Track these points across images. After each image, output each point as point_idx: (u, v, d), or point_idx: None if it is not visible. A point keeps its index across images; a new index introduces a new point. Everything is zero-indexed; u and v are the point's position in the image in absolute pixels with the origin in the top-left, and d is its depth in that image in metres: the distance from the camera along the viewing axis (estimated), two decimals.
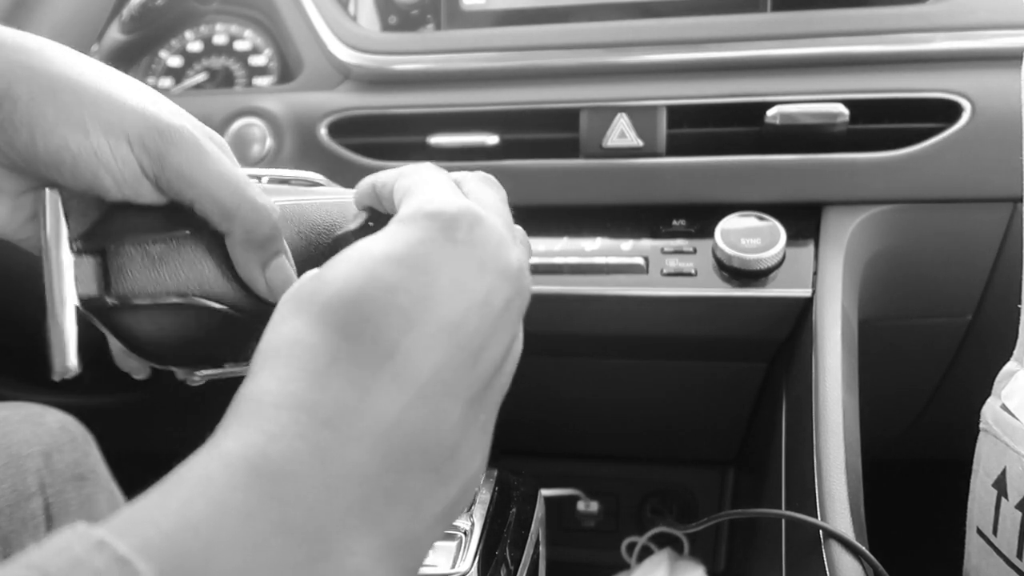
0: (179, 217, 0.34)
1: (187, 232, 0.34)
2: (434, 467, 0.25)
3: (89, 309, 0.33)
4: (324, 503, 0.22)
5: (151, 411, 0.87)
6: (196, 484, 0.22)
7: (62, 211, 0.33)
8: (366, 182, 0.36)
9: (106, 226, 0.34)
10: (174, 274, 0.34)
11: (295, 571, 0.21)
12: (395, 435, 0.24)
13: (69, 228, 0.33)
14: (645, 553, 0.86)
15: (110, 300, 0.33)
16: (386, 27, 0.77)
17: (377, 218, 0.37)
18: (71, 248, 0.33)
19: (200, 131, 0.34)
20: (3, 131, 0.30)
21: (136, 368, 0.38)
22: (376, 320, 0.25)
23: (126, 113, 0.32)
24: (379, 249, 0.27)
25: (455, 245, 0.28)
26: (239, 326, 0.36)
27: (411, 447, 0.25)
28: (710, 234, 0.66)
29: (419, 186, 0.31)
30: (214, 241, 0.35)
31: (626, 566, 0.86)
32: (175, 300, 0.34)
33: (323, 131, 0.72)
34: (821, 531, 0.51)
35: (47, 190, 0.33)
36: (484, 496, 0.49)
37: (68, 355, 0.32)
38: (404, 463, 0.24)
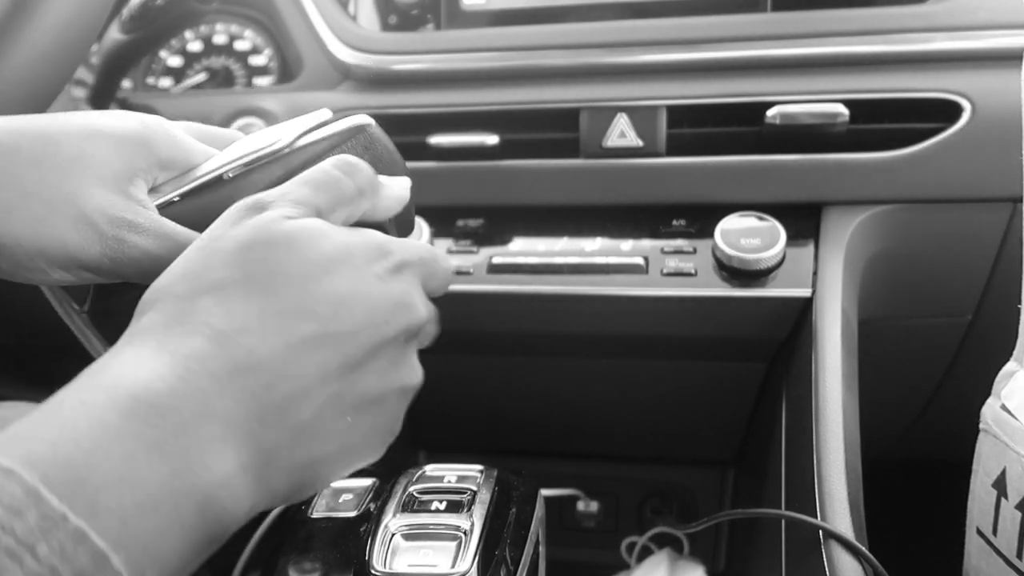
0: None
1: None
2: (288, 429, 0.30)
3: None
4: (191, 432, 0.27)
5: None
6: (78, 407, 0.26)
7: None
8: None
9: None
10: None
11: (161, 481, 0.26)
12: (262, 397, 0.29)
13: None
14: (645, 553, 0.86)
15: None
16: (386, 27, 0.77)
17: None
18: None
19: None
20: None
21: None
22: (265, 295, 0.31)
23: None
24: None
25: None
26: None
27: (270, 408, 0.29)
28: (710, 234, 0.66)
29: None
30: None
31: (626, 566, 0.86)
32: None
33: None
34: (821, 531, 0.51)
35: None
36: (484, 496, 0.49)
37: None
38: (262, 419, 0.29)
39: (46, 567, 0.22)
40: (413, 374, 0.36)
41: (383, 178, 0.40)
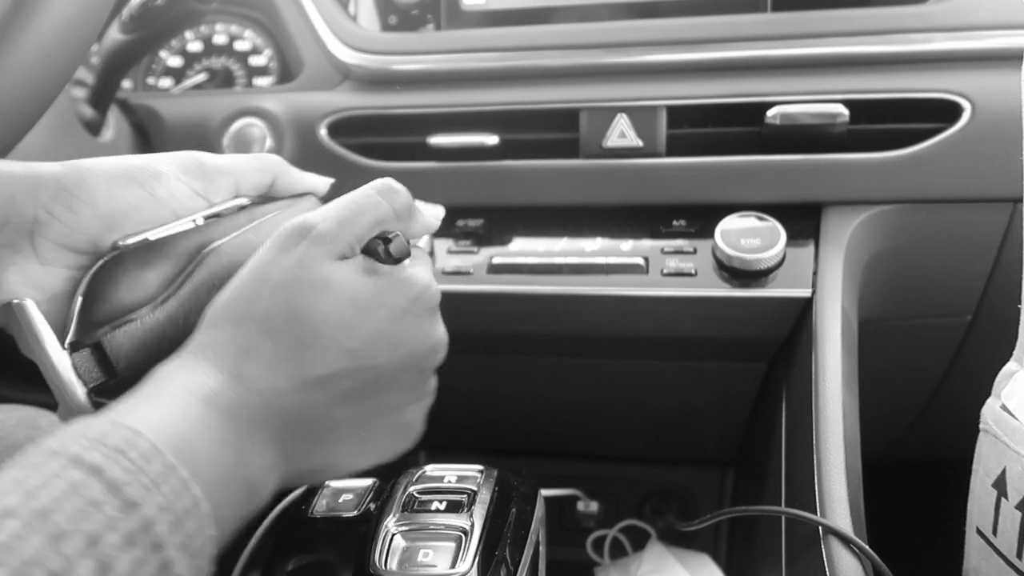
0: (160, 279, 0.40)
1: (166, 295, 0.40)
2: (310, 441, 0.38)
3: (100, 393, 0.38)
4: (245, 436, 0.35)
5: None
6: (171, 401, 0.34)
7: (39, 317, 0.38)
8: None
9: (91, 316, 0.39)
10: (167, 340, 0.40)
11: (228, 466, 0.34)
12: (295, 414, 0.37)
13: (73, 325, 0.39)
14: (616, 548, 0.87)
15: (116, 379, 0.39)
16: (386, 27, 0.77)
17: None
18: (66, 348, 0.38)
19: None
20: (72, 211, 0.39)
21: None
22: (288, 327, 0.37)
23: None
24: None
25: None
26: None
27: (299, 425, 0.37)
28: (710, 234, 0.66)
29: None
30: (203, 289, 0.41)
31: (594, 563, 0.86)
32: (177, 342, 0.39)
33: (323, 131, 0.72)
34: (820, 528, 0.51)
35: (14, 302, 0.38)
36: (484, 496, 0.49)
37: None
38: (293, 433, 0.37)
39: (167, 500, 0.29)
40: (430, 390, 0.43)
41: (419, 204, 0.45)
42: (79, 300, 0.39)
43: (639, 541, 0.87)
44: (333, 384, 0.37)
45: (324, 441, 0.38)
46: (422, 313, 0.41)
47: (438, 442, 0.93)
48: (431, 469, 0.52)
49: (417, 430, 0.43)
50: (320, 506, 0.51)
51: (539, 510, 0.52)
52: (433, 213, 0.47)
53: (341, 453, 0.39)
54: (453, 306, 0.71)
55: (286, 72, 0.80)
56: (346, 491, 0.52)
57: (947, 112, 0.64)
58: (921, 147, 0.64)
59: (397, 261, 0.40)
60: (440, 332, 0.42)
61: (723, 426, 0.84)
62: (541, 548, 0.53)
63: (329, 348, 0.37)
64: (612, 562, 0.85)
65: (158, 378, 0.35)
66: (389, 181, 0.42)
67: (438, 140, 0.70)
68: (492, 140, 0.69)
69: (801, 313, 0.66)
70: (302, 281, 0.37)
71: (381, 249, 0.40)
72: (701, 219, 0.68)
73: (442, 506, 0.48)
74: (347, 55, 0.73)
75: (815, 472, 0.54)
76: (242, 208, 0.45)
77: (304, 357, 0.36)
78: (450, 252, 0.70)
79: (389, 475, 0.53)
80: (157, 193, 0.41)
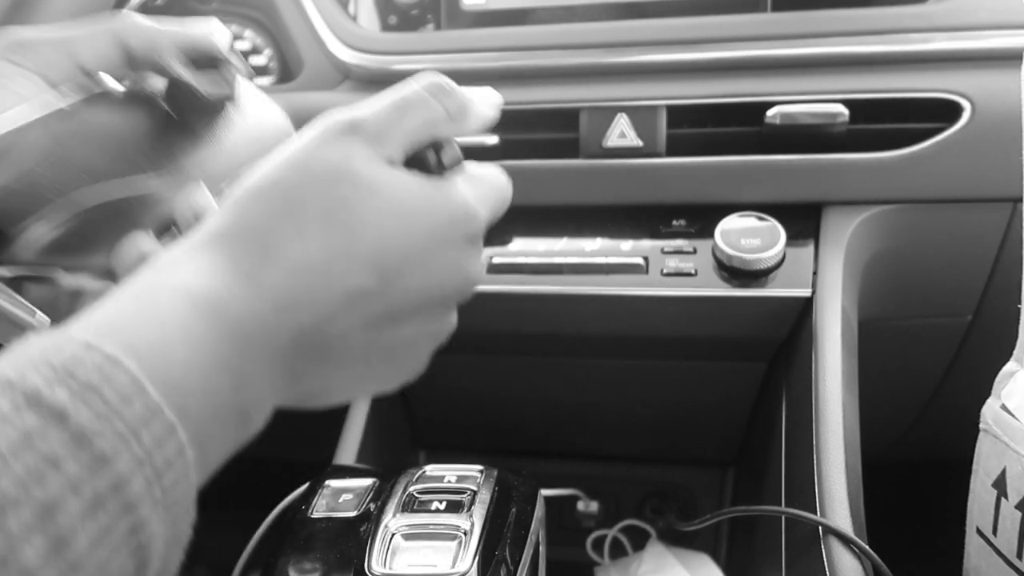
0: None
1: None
2: (319, 363, 0.32)
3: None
4: (253, 355, 0.29)
5: None
6: (168, 311, 0.28)
7: None
8: None
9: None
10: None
11: (226, 396, 0.28)
12: (309, 335, 0.31)
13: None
14: (616, 548, 0.87)
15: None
16: (386, 27, 0.77)
17: None
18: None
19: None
20: None
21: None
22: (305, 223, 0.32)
23: None
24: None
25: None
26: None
27: (312, 346, 0.32)
28: (710, 234, 0.66)
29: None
30: None
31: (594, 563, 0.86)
32: None
33: None
34: (820, 528, 0.51)
35: None
36: (484, 496, 0.49)
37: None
38: (303, 354, 0.32)
39: (145, 452, 0.24)
40: (450, 325, 0.38)
41: (470, 92, 0.38)
42: None
43: (639, 541, 0.87)
44: (356, 305, 0.32)
45: (331, 364, 0.33)
46: (460, 241, 0.36)
47: (438, 442, 0.93)
48: (431, 469, 0.52)
49: (422, 365, 0.38)
50: (320, 506, 0.51)
51: (539, 510, 0.52)
52: (489, 101, 0.39)
53: (344, 378, 0.34)
54: None
55: (286, 72, 0.80)
56: (346, 491, 0.52)
57: (947, 112, 0.64)
58: (921, 147, 0.64)
59: (446, 170, 0.36)
60: (476, 267, 0.37)
61: (723, 426, 0.84)
62: (541, 548, 0.53)
63: (365, 262, 0.32)
64: (612, 562, 0.85)
65: (155, 271, 0.29)
66: (440, 79, 0.36)
67: None
68: (492, 140, 0.69)
69: (801, 313, 0.66)
70: (347, 180, 0.32)
71: (432, 158, 0.35)
72: (701, 219, 0.68)
73: (442, 506, 0.48)
74: (347, 55, 0.73)
75: (815, 472, 0.54)
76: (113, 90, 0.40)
77: (334, 268, 0.31)
78: None
79: (389, 475, 0.53)
80: None
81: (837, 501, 0.52)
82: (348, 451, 0.69)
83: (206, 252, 0.31)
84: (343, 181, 0.32)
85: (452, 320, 0.38)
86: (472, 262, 0.37)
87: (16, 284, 0.37)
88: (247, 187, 0.32)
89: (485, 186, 0.38)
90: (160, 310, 0.28)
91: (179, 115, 0.42)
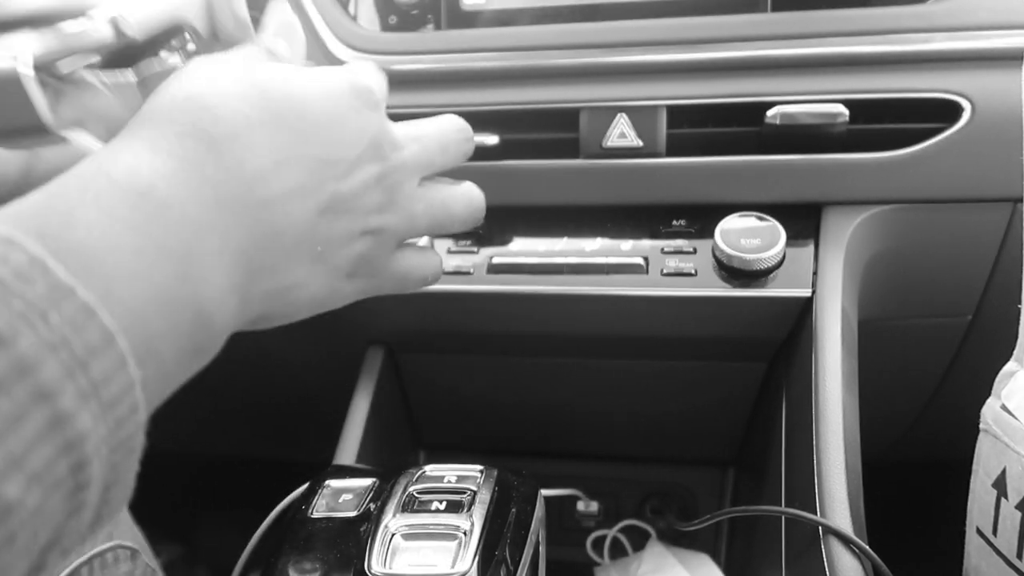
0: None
1: None
2: (274, 254, 0.32)
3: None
4: (195, 239, 0.28)
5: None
6: (86, 194, 0.26)
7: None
8: None
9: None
10: None
11: (165, 283, 0.26)
12: (260, 222, 0.30)
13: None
14: (616, 548, 0.87)
15: None
16: (386, 27, 0.77)
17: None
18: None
19: None
20: None
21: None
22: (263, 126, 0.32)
23: None
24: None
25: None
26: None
27: (263, 232, 0.31)
28: (710, 234, 0.66)
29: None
30: None
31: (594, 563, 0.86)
32: None
33: None
34: (820, 528, 0.51)
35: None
36: (484, 496, 0.49)
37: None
38: (255, 241, 0.30)
39: (58, 335, 0.22)
40: (394, 224, 0.39)
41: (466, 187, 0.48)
42: None
43: (639, 541, 0.87)
44: (303, 193, 0.33)
45: (284, 254, 0.33)
46: (361, 107, 0.38)
47: (438, 442, 0.93)
48: (431, 469, 0.52)
49: (379, 281, 0.40)
50: (320, 506, 0.51)
51: (539, 510, 0.52)
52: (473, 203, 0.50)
53: (303, 275, 0.34)
54: (453, 306, 0.71)
55: None
56: (346, 491, 0.52)
57: (947, 112, 0.64)
58: (921, 147, 0.64)
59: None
60: (387, 125, 0.40)
61: (723, 426, 0.84)
62: (541, 548, 0.53)
63: (320, 146, 0.34)
64: (612, 562, 0.85)
65: (72, 172, 0.27)
66: (464, 125, 0.46)
67: None
68: (492, 140, 0.69)
69: (801, 313, 0.66)
70: (290, 72, 0.35)
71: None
72: (701, 219, 0.68)
73: (442, 506, 0.48)
74: (347, 55, 0.73)
75: (815, 472, 0.54)
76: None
77: (266, 129, 0.32)
78: (450, 252, 0.70)
79: (389, 475, 0.53)
80: None
81: (837, 501, 0.52)
82: (348, 451, 0.69)
83: (126, 141, 0.29)
84: (287, 72, 0.35)
85: (395, 220, 0.39)
86: (380, 117, 0.39)
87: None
88: (187, 91, 0.32)
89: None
90: (71, 194, 0.26)
91: None
